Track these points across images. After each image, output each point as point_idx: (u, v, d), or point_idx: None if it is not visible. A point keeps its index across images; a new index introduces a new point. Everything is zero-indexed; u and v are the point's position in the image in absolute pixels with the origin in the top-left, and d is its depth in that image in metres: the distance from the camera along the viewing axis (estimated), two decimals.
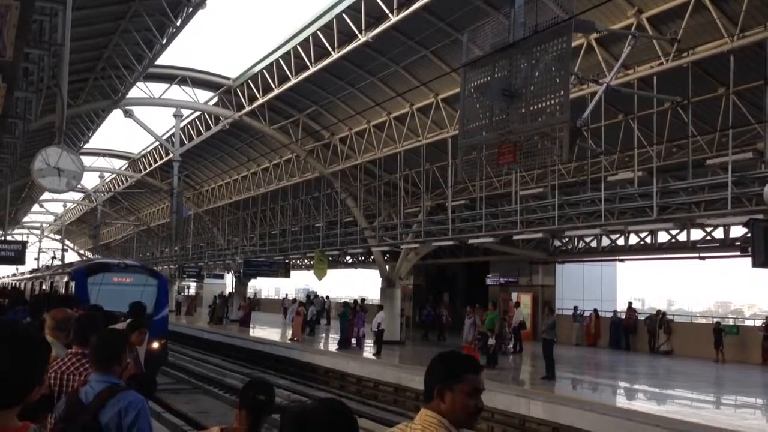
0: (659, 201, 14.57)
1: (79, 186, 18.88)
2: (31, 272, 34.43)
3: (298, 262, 43.33)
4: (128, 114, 23.72)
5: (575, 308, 27.35)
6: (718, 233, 21.61)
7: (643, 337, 25.34)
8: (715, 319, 25.91)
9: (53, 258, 52.93)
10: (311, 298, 37.80)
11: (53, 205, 55.04)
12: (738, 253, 20.18)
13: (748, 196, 13.92)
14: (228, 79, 25.13)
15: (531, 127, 10.35)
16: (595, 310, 27.07)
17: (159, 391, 15.07)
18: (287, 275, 36.14)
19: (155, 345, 13.50)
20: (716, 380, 19.25)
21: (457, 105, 15.36)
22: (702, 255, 22.58)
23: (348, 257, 39.29)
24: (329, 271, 29.57)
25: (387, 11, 16.65)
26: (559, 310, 26.91)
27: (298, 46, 20.34)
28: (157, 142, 30.35)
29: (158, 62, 20.44)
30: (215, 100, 26.14)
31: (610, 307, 28.15)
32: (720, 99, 14.47)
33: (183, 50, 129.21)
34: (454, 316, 30.08)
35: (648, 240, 24.65)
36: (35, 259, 56.54)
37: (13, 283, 32.71)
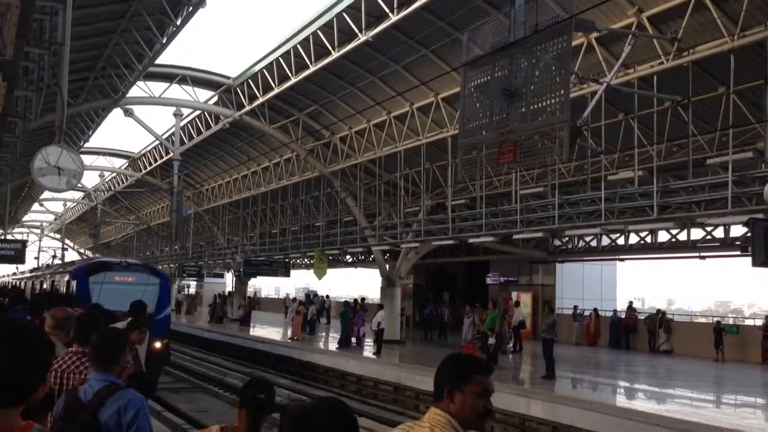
0: (659, 200, 14.58)
1: (79, 185, 18.85)
2: (31, 271, 34.43)
3: (298, 261, 43.33)
4: (128, 113, 23.72)
5: (575, 307, 27.35)
6: (719, 233, 21.60)
7: (643, 336, 25.34)
8: (715, 319, 25.91)
9: (53, 257, 52.97)
10: (311, 298, 37.81)
11: (53, 204, 55.12)
12: (738, 253, 20.18)
13: (748, 195, 13.92)
14: (228, 78, 25.13)
15: (531, 126, 10.35)
16: (595, 310, 27.07)
17: (159, 389, 15.08)
18: (287, 274, 36.14)
19: (158, 345, 13.38)
20: (716, 379, 19.25)
21: (458, 104, 15.35)
22: (702, 254, 22.59)
23: (348, 256, 39.28)
24: (329, 271, 29.59)
25: (387, 10, 16.64)
26: (559, 310, 26.90)
27: (299, 45, 20.33)
28: (157, 141, 30.34)
29: (158, 61, 20.45)
30: (215, 99, 26.13)
31: (610, 306, 28.15)
32: (720, 98, 14.46)
33: (183, 49, 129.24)
34: (454, 315, 30.09)
35: (648, 239, 24.65)
36: (35, 258, 56.60)
37: (14, 282, 32.72)
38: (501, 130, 10.59)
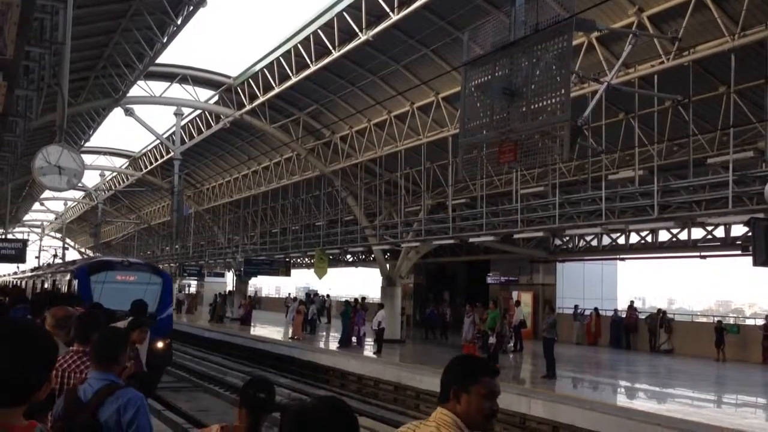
0: (660, 200, 14.57)
1: (79, 184, 18.84)
2: (32, 270, 34.44)
3: (298, 260, 43.33)
4: (129, 112, 23.71)
5: (576, 307, 27.35)
6: (719, 232, 21.59)
7: (643, 336, 25.33)
8: (716, 318, 25.90)
9: (54, 256, 52.97)
10: (312, 297, 37.81)
11: (54, 204, 55.17)
12: (739, 252, 20.16)
13: (749, 194, 13.90)
14: (229, 77, 25.13)
15: (532, 125, 10.35)
16: (596, 309, 27.06)
17: (160, 389, 15.09)
18: (288, 274, 36.13)
19: (160, 345, 13.36)
20: (717, 379, 19.24)
21: (458, 104, 15.33)
22: (703, 254, 22.58)
23: (348, 256, 39.25)
24: (330, 270, 29.60)
25: (387, 10, 16.64)
26: (559, 309, 26.90)
27: (299, 45, 20.33)
28: (158, 141, 30.34)
29: (159, 61, 20.44)
30: (216, 98, 26.14)
31: (610, 305, 28.13)
32: (721, 98, 14.45)
33: (184, 49, 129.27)
34: (454, 314, 30.09)
35: (649, 239, 24.64)
36: (36, 257, 56.61)
37: (14, 281, 32.72)
38: (501, 130, 10.59)
